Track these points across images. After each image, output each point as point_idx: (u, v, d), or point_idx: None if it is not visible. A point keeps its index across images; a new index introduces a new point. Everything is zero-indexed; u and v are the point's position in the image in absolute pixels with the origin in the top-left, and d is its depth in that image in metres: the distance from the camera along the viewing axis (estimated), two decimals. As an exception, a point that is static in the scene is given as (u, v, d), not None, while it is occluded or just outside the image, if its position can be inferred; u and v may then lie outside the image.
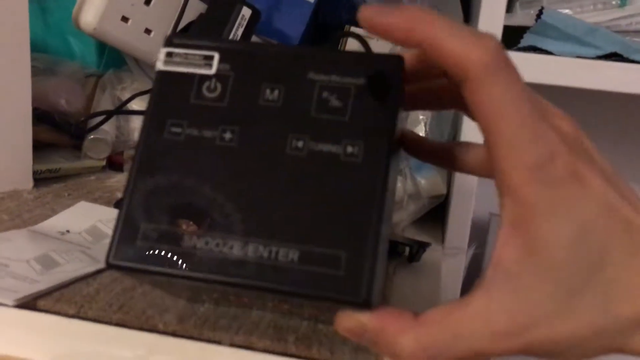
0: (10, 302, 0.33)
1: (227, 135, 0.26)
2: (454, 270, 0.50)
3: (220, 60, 0.27)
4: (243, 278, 0.24)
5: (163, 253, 0.25)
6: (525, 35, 0.51)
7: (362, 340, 0.25)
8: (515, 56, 0.50)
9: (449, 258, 0.49)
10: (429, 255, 0.45)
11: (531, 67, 0.46)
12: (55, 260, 0.37)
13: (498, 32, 0.47)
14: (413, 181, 0.50)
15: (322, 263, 0.24)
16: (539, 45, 0.48)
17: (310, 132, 0.26)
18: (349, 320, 0.24)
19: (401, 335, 0.23)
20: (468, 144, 0.29)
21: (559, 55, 0.47)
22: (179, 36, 0.28)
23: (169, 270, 0.25)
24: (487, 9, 0.47)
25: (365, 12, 0.24)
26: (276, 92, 0.27)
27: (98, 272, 0.37)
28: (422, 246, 0.43)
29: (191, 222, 0.25)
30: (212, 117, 0.27)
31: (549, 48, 0.48)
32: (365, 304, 0.24)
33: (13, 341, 0.33)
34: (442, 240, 0.51)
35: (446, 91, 0.28)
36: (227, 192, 0.26)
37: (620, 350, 0.23)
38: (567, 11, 0.53)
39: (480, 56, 0.22)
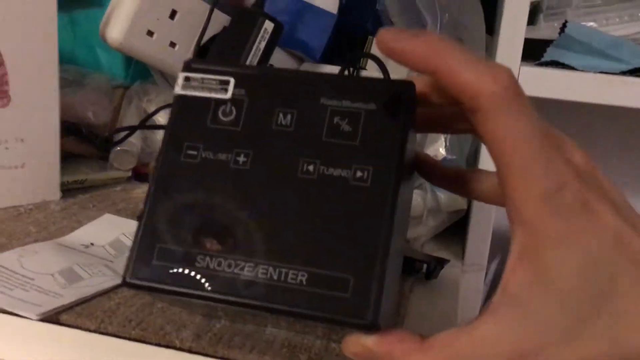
0: (34, 317, 0.34)
1: (241, 159, 0.27)
2: (473, 287, 0.49)
3: (236, 85, 0.28)
4: (253, 299, 0.25)
5: (178, 273, 0.26)
6: (548, 49, 0.50)
7: None
8: (537, 71, 0.49)
9: (469, 274, 0.49)
10: (447, 271, 0.45)
11: (553, 82, 0.46)
12: (79, 275, 0.38)
13: (519, 46, 0.47)
14: (433, 196, 0.50)
15: (330, 286, 0.25)
16: (562, 59, 0.48)
17: (321, 157, 0.27)
18: (356, 345, 0.25)
19: (407, 359, 0.24)
20: (481, 172, 0.29)
21: (582, 69, 0.47)
22: (197, 61, 0.30)
23: (182, 290, 0.26)
24: (508, 22, 0.47)
25: (382, 36, 0.25)
26: (289, 117, 0.27)
27: (120, 286, 0.38)
28: (440, 263, 0.44)
29: (208, 243, 0.26)
30: (226, 140, 0.28)
31: (571, 62, 0.48)
32: (372, 326, 0.24)
33: (36, 353, 0.35)
34: (462, 256, 0.51)
35: (458, 116, 0.28)
36: (240, 214, 0.26)
37: None
38: (591, 24, 0.52)
39: (492, 88, 0.23)
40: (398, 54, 0.24)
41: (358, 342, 0.25)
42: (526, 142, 0.23)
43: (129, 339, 0.33)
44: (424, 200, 0.50)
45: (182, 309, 0.35)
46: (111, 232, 0.45)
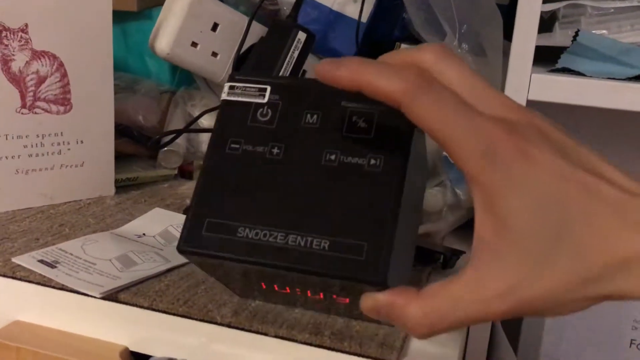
0: (98, 295, 0.39)
1: (275, 151, 0.33)
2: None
3: (271, 92, 0.34)
4: (284, 261, 0.31)
5: (223, 241, 0.32)
6: (562, 56, 0.53)
7: (381, 316, 0.29)
8: (549, 78, 0.53)
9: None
10: (463, 262, 0.48)
11: (565, 88, 0.49)
12: (133, 260, 0.44)
13: (530, 52, 0.50)
14: (453, 193, 0.54)
15: (348, 251, 0.30)
16: (574, 66, 0.51)
17: (341, 148, 0.32)
18: (368, 300, 0.29)
19: (407, 307, 0.28)
20: None
21: (591, 76, 0.50)
22: (239, 73, 0.36)
23: (226, 255, 0.32)
24: (520, 31, 0.50)
25: (319, 69, 0.30)
26: (315, 117, 0.33)
27: (168, 270, 0.43)
28: (456, 254, 0.47)
29: (247, 217, 0.32)
30: (263, 136, 0.33)
31: (583, 69, 0.51)
32: (381, 283, 0.29)
33: (99, 327, 0.40)
34: (479, 248, 0.54)
35: None
36: (273, 194, 0.32)
37: (609, 297, 0.26)
38: (604, 31, 0.55)
39: (402, 86, 0.27)
40: (333, 81, 0.29)
41: (370, 297, 0.29)
42: (447, 118, 0.27)
43: (177, 314, 0.39)
44: (444, 196, 0.54)
45: (223, 288, 0.40)
46: (161, 224, 0.51)
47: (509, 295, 0.26)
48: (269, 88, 0.34)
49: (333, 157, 0.32)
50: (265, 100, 0.34)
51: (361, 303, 0.30)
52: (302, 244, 0.31)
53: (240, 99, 0.35)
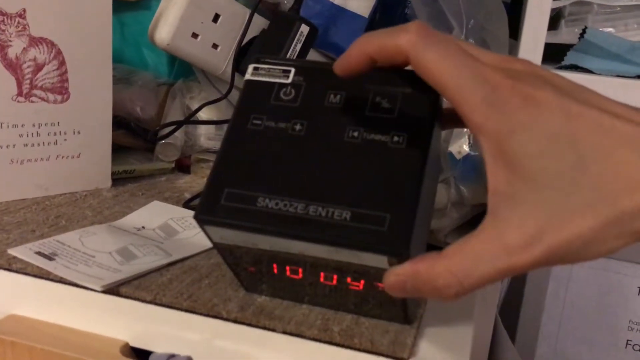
0: (98, 288, 0.38)
1: (297, 127, 0.33)
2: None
3: (295, 74, 0.34)
4: (304, 231, 0.30)
5: (241, 211, 0.31)
6: (568, 54, 0.53)
7: (407, 290, 0.28)
8: (567, 78, 0.52)
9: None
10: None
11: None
12: (134, 253, 0.43)
13: (539, 50, 0.50)
14: (457, 190, 0.53)
15: (370, 222, 0.29)
16: (581, 64, 0.51)
17: (364, 125, 0.32)
18: (391, 276, 0.29)
19: (431, 269, 0.27)
20: None
21: (600, 73, 0.50)
22: (264, 56, 0.36)
23: (244, 224, 0.31)
24: (529, 28, 0.50)
25: (336, 67, 0.31)
26: (338, 97, 0.33)
27: (170, 264, 0.42)
28: (462, 251, 0.47)
29: (267, 187, 0.31)
30: (286, 113, 0.33)
31: (590, 66, 0.51)
32: (403, 254, 0.29)
33: (99, 321, 0.39)
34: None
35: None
36: (294, 166, 0.31)
37: (636, 236, 0.25)
38: (611, 29, 0.55)
39: (406, 37, 0.28)
40: (348, 64, 0.30)
41: (392, 273, 0.29)
42: (451, 66, 0.27)
43: (181, 309, 0.37)
44: (448, 193, 0.53)
45: (228, 283, 0.39)
46: (160, 217, 0.50)
47: (533, 244, 0.25)
48: (293, 70, 0.34)
49: (356, 134, 0.32)
50: (290, 80, 0.34)
51: (384, 282, 0.29)
52: (323, 214, 0.30)
53: (264, 79, 0.35)
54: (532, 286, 0.77)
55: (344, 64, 0.31)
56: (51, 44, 0.50)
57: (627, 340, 0.76)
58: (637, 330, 0.76)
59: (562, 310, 0.77)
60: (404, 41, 0.28)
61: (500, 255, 0.26)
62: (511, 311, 0.78)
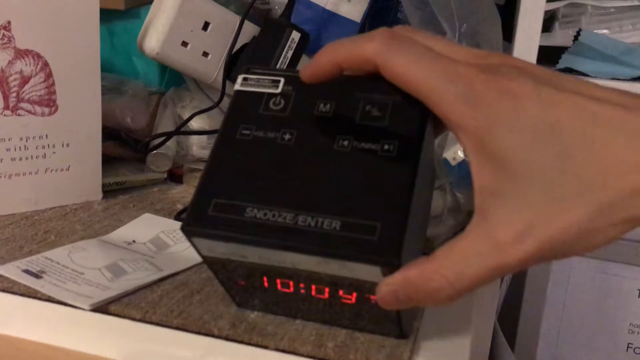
0: (86, 307, 0.37)
1: (287, 136, 0.32)
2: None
3: (285, 83, 0.34)
4: (292, 242, 0.29)
5: (229, 221, 0.30)
6: (563, 56, 0.52)
7: (400, 300, 0.28)
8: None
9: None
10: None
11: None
12: (124, 269, 0.42)
13: (534, 52, 0.49)
14: (453, 197, 0.53)
15: (360, 231, 0.29)
16: (575, 66, 0.50)
17: (354, 134, 0.31)
18: (382, 287, 0.28)
19: (422, 275, 0.26)
20: None
21: (595, 76, 0.49)
22: (254, 67, 0.35)
23: (232, 235, 0.30)
24: (523, 30, 0.49)
25: (304, 74, 0.31)
26: (328, 106, 0.32)
27: (161, 279, 0.41)
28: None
29: (256, 198, 0.31)
30: (275, 123, 0.33)
31: (585, 69, 0.50)
32: (395, 264, 0.28)
33: (89, 340, 0.38)
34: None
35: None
36: (283, 176, 0.31)
37: (634, 220, 0.23)
38: (605, 31, 0.54)
39: (373, 46, 0.28)
40: (317, 72, 0.30)
41: (383, 284, 0.28)
42: (420, 67, 0.27)
43: (172, 327, 0.37)
44: (444, 200, 0.53)
45: (220, 299, 0.38)
46: (151, 230, 0.49)
47: (524, 239, 0.24)
48: (282, 79, 0.34)
49: (346, 142, 0.31)
50: (279, 90, 0.34)
51: (377, 295, 0.28)
52: (313, 224, 0.29)
53: (253, 89, 0.34)
54: (531, 290, 0.76)
55: (312, 72, 0.31)
56: (37, 56, 0.49)
57: (628, 344, 0.75)
58: (637, 333, 0.75)
59: (561, 314, 0.76)
60: (370, 50, 0.28)
61: (490, 253, 0.25)
62: (511, 315, 0.77)
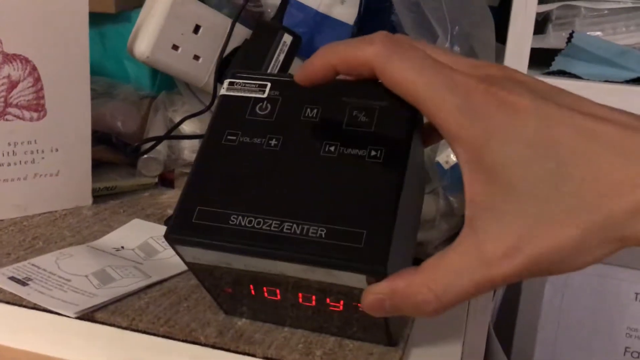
0: (72, 314, 0.37)
1: (273, 142, 0.32)
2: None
3: (271, 88, 0.33)
4: (277, 249, 0.29)
5: (214, 229, 0.30)
6: (556, 59, 0.52)
7: (386, 308, 0.27)
8: (544, 81, 0.51)
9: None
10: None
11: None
12: (111, 276, 0.41)
13: (525, 55, 0.48)
14: (446, 201, 0.52)
15: (346, 238, 0.28)
16: (569, 69, 0.50)
17: (341, 140, 0.31)
18: (368, 295, 0.27)
19: (409, 287, 0.26)
20: None
21: (588, 79, 0.48)
22: (240, 71, 0.35)
23: (217, 243, 0.30)
24: (514, 31, 0.48)
25: (298, 76, 0.30)
26: (315, 111, 0.32)
27: (148, 286, 0.41)
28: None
29: (240, 205, 0.30)
30: (261, 128, 0.32)
31: (578, 72, 0.49)
32: (381, 272, 0.27)
33: (75, 348, 0.37)
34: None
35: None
36: (268, 183, 0.30)
37: (626, 241, 0.23)
38: (599, 33, 0.54)
39: (372, 50, 0.27)
40: (311, 75, 0.30)
41: (369, 292, 0.27)
42: (420, 75, 0.26)
43: (158, 335, 0.36)
44: (437, 204, 0.52)
45: (207, 306, 0.38)
46: (140, 235, 0.48)
47: (513, 255, 0.24)
48: (269, 84, 0.34)
49: (332, 148, 0.31)
50: (265, 95, 0.33)
51: (362, 302, 0.28)
52: (298, 231, 0.29)
53: (239, 94, 0.34)
54: (528, 294, 0.76)
55: (306, 74, 0.30)
56: (25, 61, 0.49)
57: (626, 347, 0.75)
58: (635, 337, 0.75)
59: (558, 318, 0.76)
60: (369, 53, 0.27)
61: (478, 268, 0.25)
62: (507, 319, 0.76)
